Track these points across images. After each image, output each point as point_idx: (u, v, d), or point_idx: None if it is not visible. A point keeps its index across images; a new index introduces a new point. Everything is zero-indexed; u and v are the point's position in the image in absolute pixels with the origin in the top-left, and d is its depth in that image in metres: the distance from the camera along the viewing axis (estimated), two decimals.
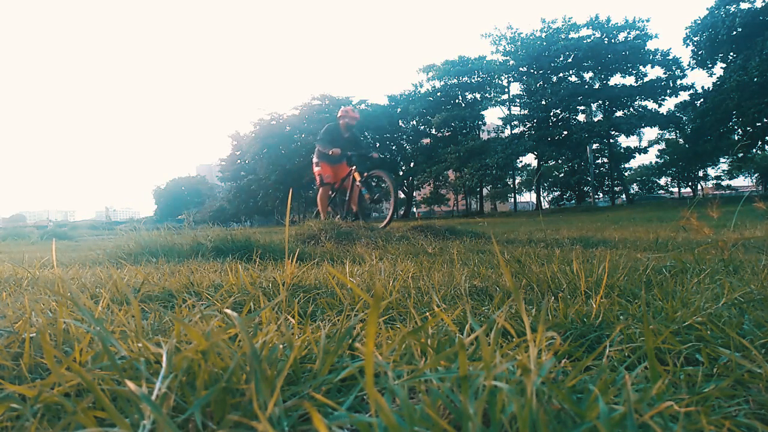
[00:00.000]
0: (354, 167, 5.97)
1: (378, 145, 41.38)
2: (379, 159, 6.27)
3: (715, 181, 37.65)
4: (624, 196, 36.06)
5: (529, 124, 36.64)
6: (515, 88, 39.28)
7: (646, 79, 34.03)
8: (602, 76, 34.84)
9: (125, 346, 0.72)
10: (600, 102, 34.87)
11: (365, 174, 5.92)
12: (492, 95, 38.91)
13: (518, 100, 37.75)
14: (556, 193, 40.82)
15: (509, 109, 38.59)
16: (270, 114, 41.58)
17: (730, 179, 36.89)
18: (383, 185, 7.47)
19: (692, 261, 2.04)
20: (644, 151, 35.40)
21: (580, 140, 32.38)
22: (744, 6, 28.64)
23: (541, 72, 35.89)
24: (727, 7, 29.26)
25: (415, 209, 47.38)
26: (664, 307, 1.14)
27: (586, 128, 32.60)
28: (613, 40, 33.80)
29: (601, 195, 37.56)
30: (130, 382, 0.52)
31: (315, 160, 6.34)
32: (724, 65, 30.99)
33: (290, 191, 1.62)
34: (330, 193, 6.33)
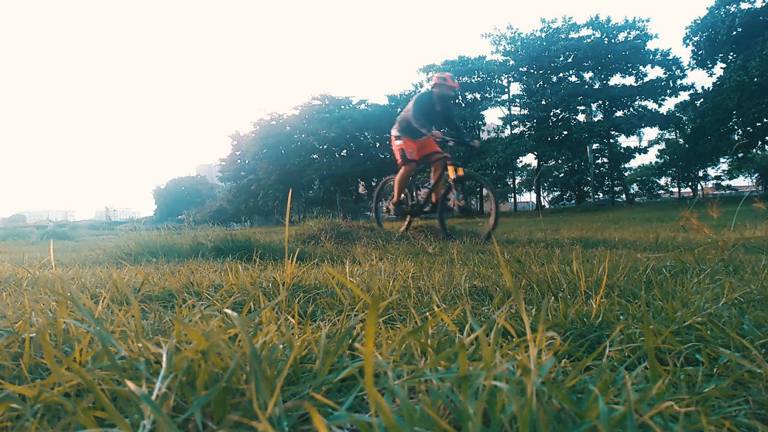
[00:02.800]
0: (448, 157, 4.92)
1: (378, 145, 41.37)
2: (479, 148, 5.77)
3: (715, 181, 37.64)
4: (624, 196, 36.07)
5: (529, 124, 36.62)
6: (515, 88, 39.23)
7: (646, 79, 34.02)
8: (602, 76, 34.83)
9: (125, 346, 0.72)
10: (600, 102, 34.85)
11: (462, 171, 4.83)
12: (492, 95, 38.89)
13: (518, 100, 37.74)
14: (556, 193, 40.81)
15: (509, 109, 38.59)
16: (270, 114, 41.56)
17: (730, 179, 36.89)
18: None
19: (692, 261, 2.04)
20: (644, 151, 35.40)
21: (580, 140, 32.37)
22: (744, 6, 28.64)
23: (541, 72, 35.87)
24: (727, 7, 29.25)
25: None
26: (664, 307, 1.14)
27: (586, 128, 32.60)
28: (613, 40, 33.78)
29: (601, 195, 37.55)
30: (130, 382, 0.52)
31: (395, 133, 5.36)
32: (724, 65, 30.99)
33: (290, 191, 1.63)
34: (412, 172, 5.34)
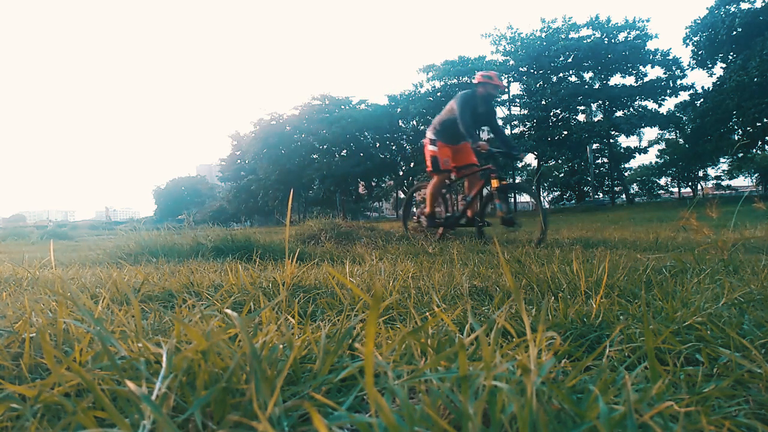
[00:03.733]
0: (492, 169, 4.44)
1: (378, 145, 41.34)
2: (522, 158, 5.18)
3: (715, 181, 37.62)
4: (624, 196, 36.06)
5: (529, 124, 36.61)
6: (515, 88, 39.21)
7: (646, 79, 34.01)
8: (602, 76, 34.82)
9: (125, 346, 0.72)
10: (600, 102, 34.84)
11: (505, 182, 4.40)
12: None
13: (518, 100, 37.73)
14: (556, 193, 40.79)
15: (509, 109, 38.58)
16: (270, 114, 41.57)
17: (730, 179, 36.86)
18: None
19: (692, 261, 2.04)
20: (644, 151, 35.40)
21: (580, 140, 32.36)
22: (744, 6, 28.63)
23: (541, 72, 35.86)
24: (727, 7, 29.25)
25: (415, 209, 47.32)
26: (664, 307, 1.14)
27: (586, 128, 32.59)
28: (613, 40, 33.78)
29: (601, 195, 37.54)
30: (130, 382, 0.52)
31: (430, 137, 4.84)
32: (724, 65, 30.99)
33: (291, 191, 1.63)
34: (447, 183, 4.87)
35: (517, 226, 4.45)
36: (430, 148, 4.82)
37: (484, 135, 6.04)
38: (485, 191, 4.66)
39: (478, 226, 4.57)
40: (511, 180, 4.71)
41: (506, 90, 38.80)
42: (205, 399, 0.54)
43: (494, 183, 4.36)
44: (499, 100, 38.73)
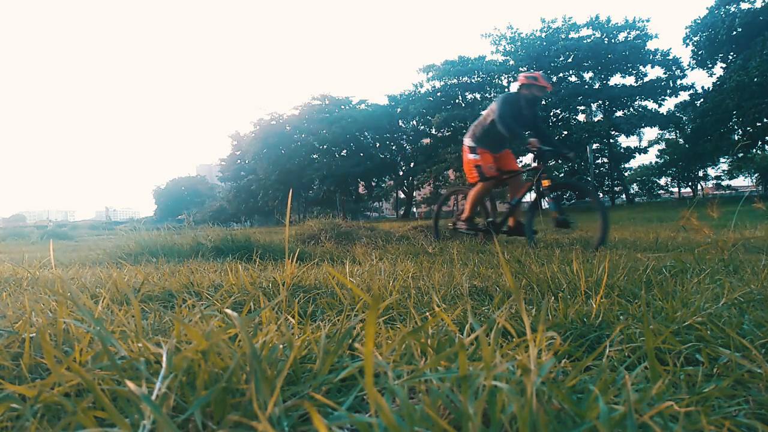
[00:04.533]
0: (541, 169, 4.14)
1: (378, 145, 41.32)
2: (575, 159, 4.36)
3: (715, 181, 37.60)
4: (624, 196, 36.06)
5: None
6: (515, 89, 39.27)
7: (646, 79, 34.02)
8: (602, 76, 34.83)
9: (125, 346, 0.72)
10: (600, 102, 34.84)
11: (556, 183, 4.13)
12: (492, 95, 38.90)
13: None
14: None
15: None
16: (270, 114, 41.58)
17: (730, 179, 36.84)
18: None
19: (692, 261, 2.04)
20: (644, 151, 35.39)
21: (580, 140, 32.35)
22: (744, 6, 28.64)
23: (541, 72, 35.87)
24: (726, 7, 29.26)
25: (415, 209, 47.37)
26: (664, 307, 1.14)
27: (586, 128, 32.58)
28: (613, 40, 33.79)
29: (601, 195, 37.54)
30: (130, 382, 0.52)
31: (470, 144, 4.54)
32: (724, 65, 31.00)
33: (290, 191, 1.63)
34: (490, 190, 4.58)
35: (573, 227, 4.16)
36: (470, 157, 4.52)
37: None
38: (525, 200, 4.38)
39: (529, 232, 4.12)
40: (564, 178, 4.21)
41: (506, 90, 38.81)
42: (205, 399, 0.54)
43: (545, 183, 4.06)
44: None
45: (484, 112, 4.57)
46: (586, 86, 34.74)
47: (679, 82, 33.43)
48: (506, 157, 4.57)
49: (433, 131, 40.28)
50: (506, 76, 37.96)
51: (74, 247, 5.91)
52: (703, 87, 32.82)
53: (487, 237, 4.50)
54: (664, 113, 33.75)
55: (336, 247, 3.94)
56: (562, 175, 38.19)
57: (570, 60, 34.79)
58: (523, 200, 4.50)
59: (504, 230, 4.45)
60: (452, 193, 5.55)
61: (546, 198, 4.13)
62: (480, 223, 4.66)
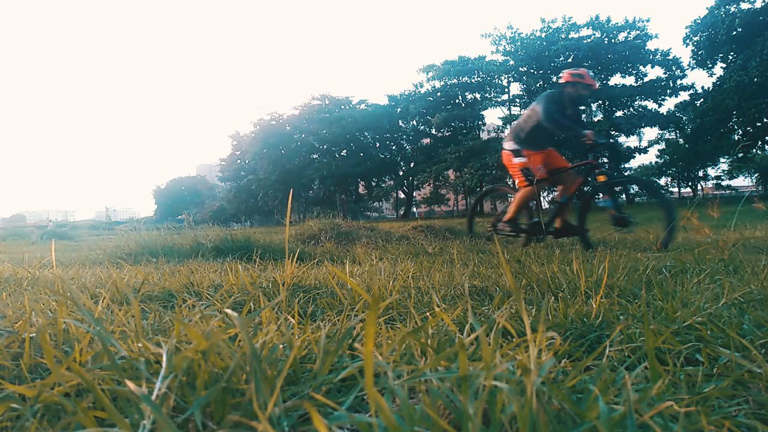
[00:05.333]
0: (594, 164, 3.94)
1: (378, 145, 41.32)
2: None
3: (715, 181, 37.62)
4: (624, 195, 36.07)
5: None
6: (515, 88, 39.24)
7: (646, 79, 34.06)
8: (602, 76, 34.85)
9: (125, 346, 0.72)
10: (600, 102, 34.87)
11: (614, 179, 3.89)
12: (492, 95, 38.93)
13: (518, 100, 37.76)
14: (556, 193, 40.73)
15: (509, 109, 38.60)
16: (270, 114, 41.61)
17: (730, 179, 36.86)
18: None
19: (692, 261, 2.04)
20: (644, 151, 35.42)
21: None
22: (744, 6, 28.66)
23: (541, 72, 35.88)
24: (727, 7, 29.27)
25: (415, 209, 47.38)
26: (664, 307, 1.14)
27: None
28: (613, 40, 33.82)
29: (600, 195, 37.50)
30: (130, 382, 0.52)
31: (513, 146, 4.27)
32: (724, 65, 31.02)
33: (290, 191, 1.63)
34: (541, 192, 4.27)
35: (633, 226, 3.89)
36: (516, 161, 4.22)
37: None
38: (573, 199, 4.10)
39: (583, 233, 3.81)
40: (621, 174, 3.87)
41: (506, 90, 38.78)
42: (205, 399, 0.54)
43: (601, 178, 3.81)
44: (499, 100, 38.75)
45: (523, 114, 4.34)
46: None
47: (679, 82, 33.46)
48: (552, 155, 4.32)
49: (433, 131, 40.28)
50: (506, 76, 37.98)
51: (74, 247, 5.91)
52: (703, 87, 32.85)
53: (531, 239, 4.24)
54: (664, 113, 33.76)
55: (336, 247, 3.95)
56: None
57: (570, 60, 34.79)
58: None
59: (550, 231, 4.15)
60: (489, 191, 5.31)
61: (601, 195, 3.88)
62: (524, 225, 4.36)
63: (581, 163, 4.14)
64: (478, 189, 39.96)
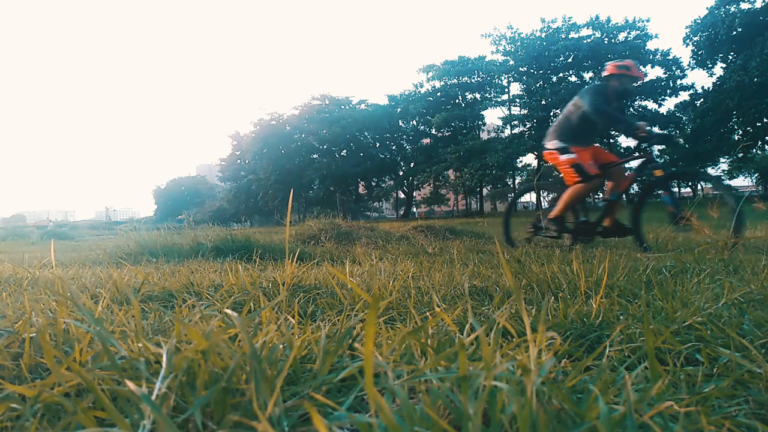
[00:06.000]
0: (649, 159, 3.67)
1: (378, 145, 41.31)
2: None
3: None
4: (624, 195, 36.08)
5: (529, 124, 36.68)
6: (515, 88, 39.34)
7: (646, 79, 34.09)
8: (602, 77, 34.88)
9: (125, 346, 0.72)
10: None
11: (672, 173, 3.65)
12: (492, 95, 38.96)
13: (518, 100, 37.80)
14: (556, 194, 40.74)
15: (509, 109, 38.64)
16: (270, 114, 41.62)
17: (730, 179, 36.86)
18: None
19: (692, 261, 2.04)
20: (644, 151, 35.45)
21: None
22: (744, 6, 28.68)
23: (541, 72, 35.92)
24: (727, 7, 29.30)
25: (415, 209, 47.38)
26: (664, 307, 1.14)
27: None
28: (613, 40, 33.86)
29: (600, 195, 37.53)
30: (130, 382, 0.52)
31: (558, 144, 4.01)
32: (724, 65, 31.04)
33: (290, 191, 1.63)
34: (594, 189, 3.99)
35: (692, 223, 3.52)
36: (564, 158, 3.94)
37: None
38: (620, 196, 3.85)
39: (640, 232, 3.57)
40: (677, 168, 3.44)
41: (506, 90, 38.77)
42: (205, 399, 0.54)
43: (657, 172, 3.56)
44: (499, 100, 38.75)
45: (564, 111, 4.10)
46: (586, 86, 34.72)
47: (679, 82, 33.49)
48: (599, 151, 4.05)
49: (433, 131, 40.30)
50: (506, 76, 38.00)
51: (74, 247, 5.91)
52: (703, 87, 32.89)
53: (577, 240, 3.95)
54: (664, 113, 33.78)
55: (336, 247, 3.95)
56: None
57: (570, 60, 34.83)
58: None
59: (599, 231, 3.90)
60: (527, 190, 5.04)
61: (658, 191, 3.63)
62: (570, 224, 4.08)
63: (633, 157, 3.84)
64: (478, 189, 39.97)
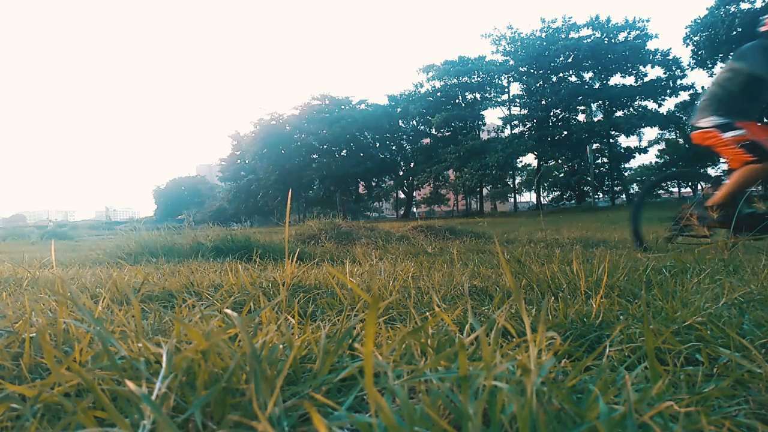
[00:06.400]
0: None
1: (378, 145, 41.31)
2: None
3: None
4: (624, 195, 36.11)
5: (529, 124, 36.72)
6: (515, 88, 39.33)
7: (646, 79, 34.13)
8: (602, 76, 34.91)
9: (125, 346, 0.72)
10: (600, 102, 34.92)
11: None
12: (492, 95, 38.98)
13: (518, 100, 37.82)
14: (556, 193, 40.82)
15: (509, 109, 38.65)
16: (270, 114, 41.63)
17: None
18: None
19: (692, 261, 2.04)
20: (644, 151, 35.48)
21: (580, 140, 32.42)
22: (744, 6, 28.70)
23: (541, 72, 35.93)
24: (727, 7, 29.31)
25: (415, 209, 47.38)
26: (664, 307, 1.14)
27: (586, 128, 32.66)
28: (613, 40, 33.87)
29: (601, 195, 37.58)
30: (130, 382, 0.52)
31: (717, 120, 3.24)
32: (723, 65, 31.06)
33: (290, 191, 1.63)
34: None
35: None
36: (728, 136, 3.18)
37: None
38: None
39: None
40: None
41: (506, 90, 38.80)
42: (205, 399, 0.54)
43: None
44: (499, 100, 38.75)
45: (718, 78, 3.39)
46: (586, 86, 34.79)
47: (679, 82, 33.50)
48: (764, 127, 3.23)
49: (433, 131, 40.28)
50: (506, 76, 38.01)
51: (74, 247, 5.91)
52: (703, 87, 32.88)
53: (741, 233, 3.16)
54: (664, 113, 33.78)
55: (336, 247, 3.95)
56: (562, 175, 38.21)
57: (570, 60, 34.82)
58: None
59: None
60: (664, 179, 4.55)
61: None
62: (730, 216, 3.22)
63: None
64: (478, 189, 39.94)
